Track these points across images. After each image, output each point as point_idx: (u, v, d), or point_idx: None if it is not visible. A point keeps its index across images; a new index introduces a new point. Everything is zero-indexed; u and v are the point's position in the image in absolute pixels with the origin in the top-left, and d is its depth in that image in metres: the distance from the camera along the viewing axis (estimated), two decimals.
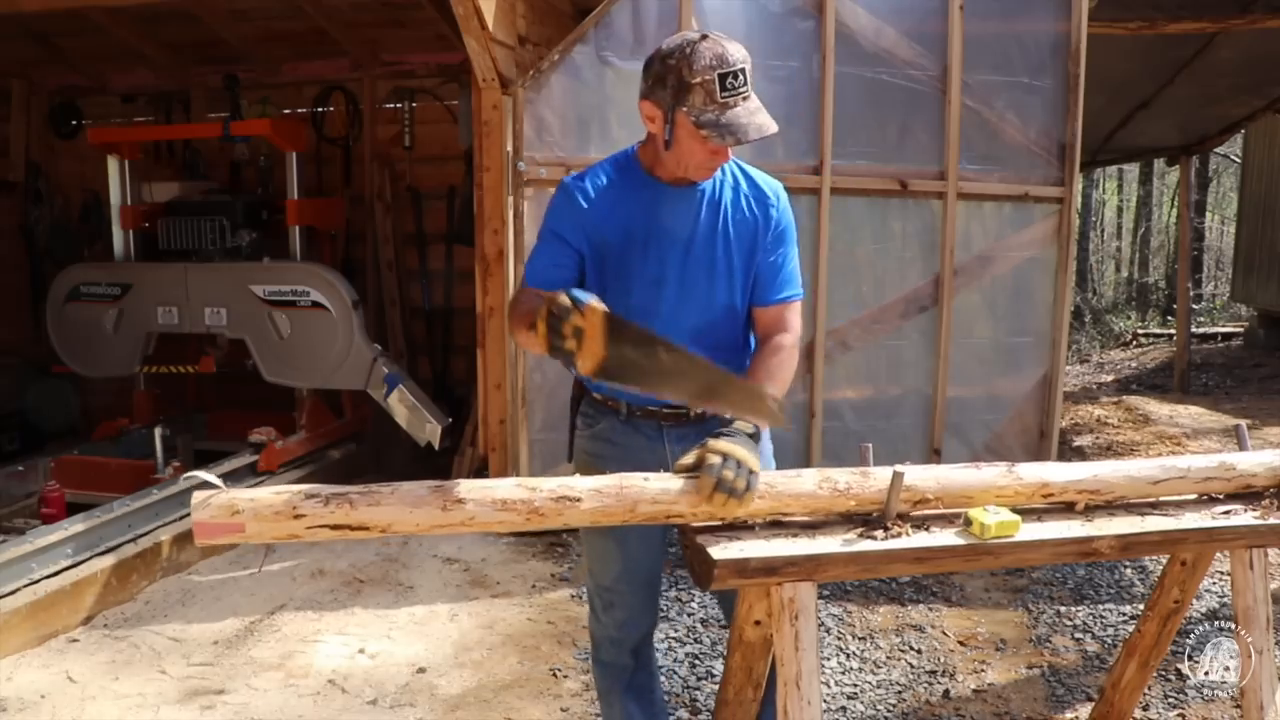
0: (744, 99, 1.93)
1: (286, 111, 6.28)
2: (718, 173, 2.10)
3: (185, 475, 1.93)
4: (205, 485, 1.71)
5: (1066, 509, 2.09)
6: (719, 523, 1.92)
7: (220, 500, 1.69)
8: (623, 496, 1.82)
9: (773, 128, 1.94)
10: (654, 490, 1.84)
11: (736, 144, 1.93)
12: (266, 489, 1.73)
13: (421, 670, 3.25)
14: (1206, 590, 3.80)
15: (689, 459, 1.83)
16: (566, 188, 2.11)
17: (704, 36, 1.93)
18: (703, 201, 2.11)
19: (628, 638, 2.35)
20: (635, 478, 1.86)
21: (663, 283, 2.10)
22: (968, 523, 1.94)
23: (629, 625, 2.33)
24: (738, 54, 1.92)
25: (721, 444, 1.80)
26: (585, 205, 2.08)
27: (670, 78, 1.92)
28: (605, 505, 1.82)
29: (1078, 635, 3.52)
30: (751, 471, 1.79)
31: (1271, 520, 2.08)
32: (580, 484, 1.83)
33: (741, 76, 1.91)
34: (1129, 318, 16.50)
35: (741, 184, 2.15)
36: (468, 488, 1.78)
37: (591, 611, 2.39)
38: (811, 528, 1.93)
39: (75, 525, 3.75)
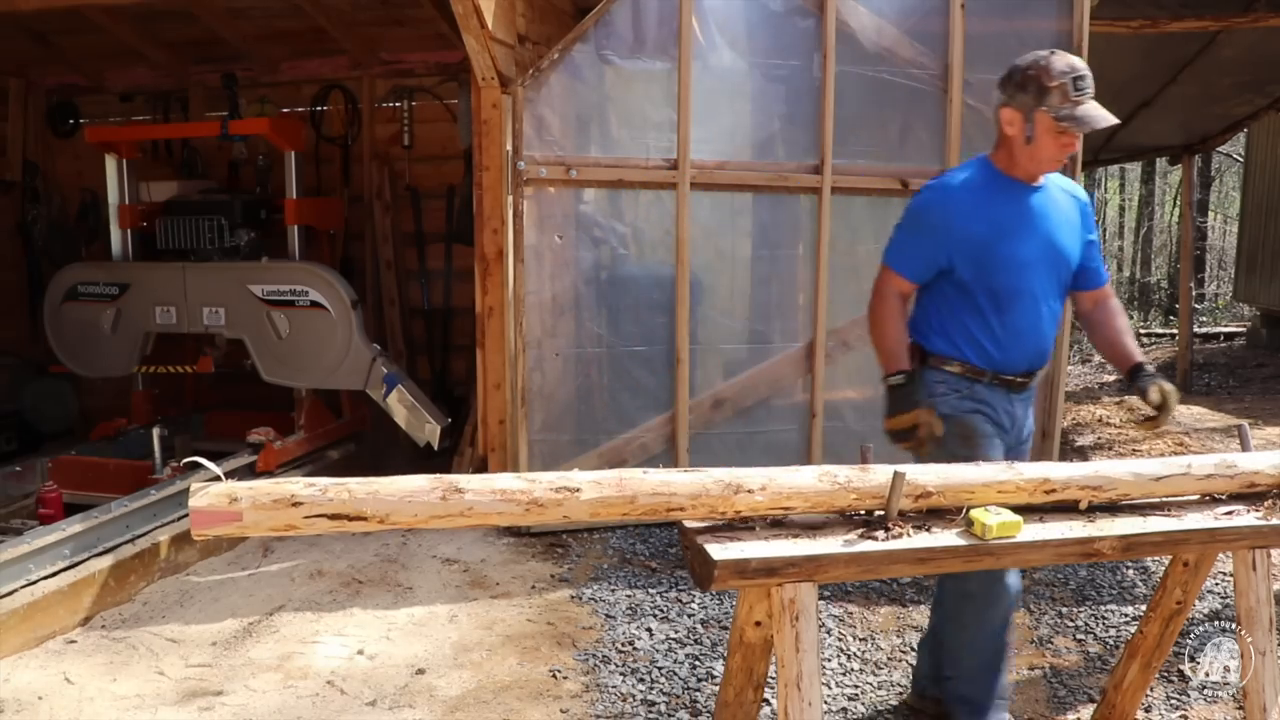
0: (1090, 98, 2.39)
1: (285, 110, 6.27)
2: (1044, 179, 2.56)
3: (186, 460, 1.95)
4: (203, 469, 1.73)
5: (1068, 509, 2.08)
6: (718, 521, 1.91)
7: (218, 489, 1.69)
8: (623, 488, 1.82)
9: (1114, 118, 2.39)
10: (654, 483, 1.84)
11: (1090, 130, 2.38)
12: (265, 479, 1.75)
13: (421, 671, 3.23)
14: (1209, 591, 3.78)
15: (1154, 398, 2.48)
16: (944, 190, 2.58)
17: (1053, 52, 2.42)
18: (1048, 198, 2.59)
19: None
20: (634, 471, 1.86)
21: (1032, 266, 2.54)
22: (969, 523, 1.93)
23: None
24: (1080, 63, 2.40)
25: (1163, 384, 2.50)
26: (960, 204, 2.53)
27: (1031, 85, 2.40)
28: (605, 496, 1.81)
29: (1080, 636, 3.50)
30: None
31: (1274, 521, 2.08)
32: (580, 476, 1.83)
33: (1088, 79, 2.39)
34: (1131, 317, 16.48)
35: (1063, 186, 2.65)
36: (467, 479, 1.78)
37: None
38: (812, 528, 1.92)
39: (73, 526, 3.73)
